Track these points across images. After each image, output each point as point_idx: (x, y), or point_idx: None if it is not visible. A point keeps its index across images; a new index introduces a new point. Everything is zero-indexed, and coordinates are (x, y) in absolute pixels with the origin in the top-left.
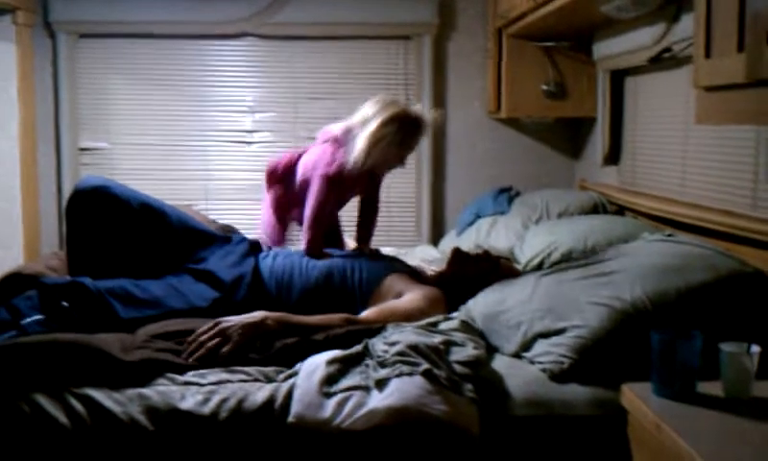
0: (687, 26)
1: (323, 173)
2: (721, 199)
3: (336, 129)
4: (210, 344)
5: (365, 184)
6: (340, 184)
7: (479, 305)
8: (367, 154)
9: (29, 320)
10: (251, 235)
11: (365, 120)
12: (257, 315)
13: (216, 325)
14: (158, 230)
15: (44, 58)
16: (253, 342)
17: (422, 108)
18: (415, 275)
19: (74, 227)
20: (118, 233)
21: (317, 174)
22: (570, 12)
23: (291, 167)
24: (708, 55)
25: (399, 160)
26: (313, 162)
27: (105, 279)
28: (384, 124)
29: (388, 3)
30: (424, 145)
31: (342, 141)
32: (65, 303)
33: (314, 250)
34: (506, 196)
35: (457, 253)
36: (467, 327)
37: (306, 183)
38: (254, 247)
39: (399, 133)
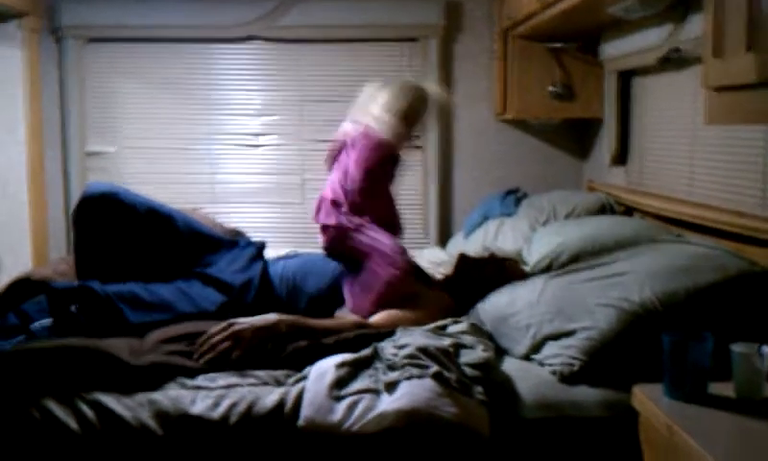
0: (695, 26)
1: (365, 166)
2: (730, 199)
3: (352, 131)
4: (221, 347)
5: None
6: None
7: (488, 308)
8: (403, 131)
9: (37, 325)
10: (258, 238)
11: (388, 104)
12: (270, 318)
13: (228, 326)
14: (166, 235)
15: (51, 62)
16: (265, 344)
17: (424, 83)
18: (423, 278)
19: (81, 233)
20: (126, 239)
21: (360, 170)
22: (577, 13)
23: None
24: (717, 55)
25: (408, 139)
26: (352, 166)
27: (113, 284)
28: (414, 101)
29: (394, 5)
30: (431, 146)
31: (371, 133)
32: (74, 308)
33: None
34: (513, 197)
35: (462, 258)
36: (476, 329)
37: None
38: (262, 250)
39: (425, 109)
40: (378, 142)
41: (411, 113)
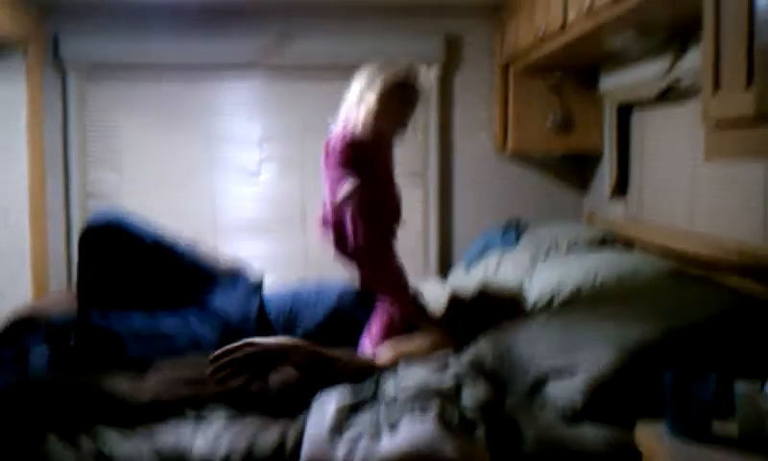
0: (694, 59)
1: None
2: (731, 232)
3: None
4: (237, 354)
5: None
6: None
7: (489, 345)
8: (376, 116)
9: (37, 359)
10: (258, 269)
11: (362, 93)
12: (289, 343)
13: (247, 345)
14: (169, 266)
15: (54, 94)
16: (273, 365)
17: (415, 65)
18: (423, 313)
19: (86, 261)
20: (129, 269)
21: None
22: (576, 47)
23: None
24: (716, 90)
25: (404, 122)
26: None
27: (113, 314)
28: (387, 85)
29: (395, 37)
30: (432, 177)
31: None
32: (72, 341)
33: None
34: (514, 229)
35: (453, 300)
36: (477, 367)
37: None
38: (260, 284)
39: (402, 92)
40: (351, 141)
41: (390, 100)
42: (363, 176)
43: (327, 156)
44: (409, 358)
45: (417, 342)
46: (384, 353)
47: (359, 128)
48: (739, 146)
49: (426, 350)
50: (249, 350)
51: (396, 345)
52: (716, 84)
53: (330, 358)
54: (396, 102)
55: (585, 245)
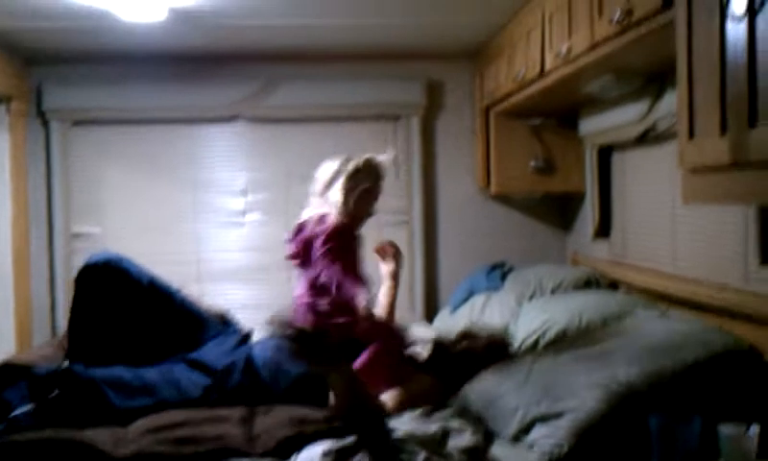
0: (671, 103)
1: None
2: (713, 273)
3: (309, 216)
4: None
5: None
6: (345, 243)
7: (476, 390)
8: (346, 203)
9: (19, 412)
10: (244, 316)
11: (329, 181)
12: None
13: None
14: (162, 310)
15: (38, 144)
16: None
17: (375, 154)
18: (410, 361)
19: (81, 299)
20: (124, 309)
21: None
22: (554, 92)
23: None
24: (691, 137)
25: (370, 210)
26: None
27: (102, 359)
28: (351, 175)
29: (377, 85)
30: (416, 221)
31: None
32: (56, 393)
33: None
34: (499, 271)
35: (437, 346)
36: (464, 412)
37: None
38: (248, 336)
39: (368, 179)
40: (331, 229)
41: (355, 193)
42: (342, 260)
43: (302, 243)
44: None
45: (407, 389)
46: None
47: (334, 218)
48: (716, 191)
49: (413, 399)
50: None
51: (394, 393)
52: (691, 131)
53: None
54: (361, 194)
55: (569, 286)
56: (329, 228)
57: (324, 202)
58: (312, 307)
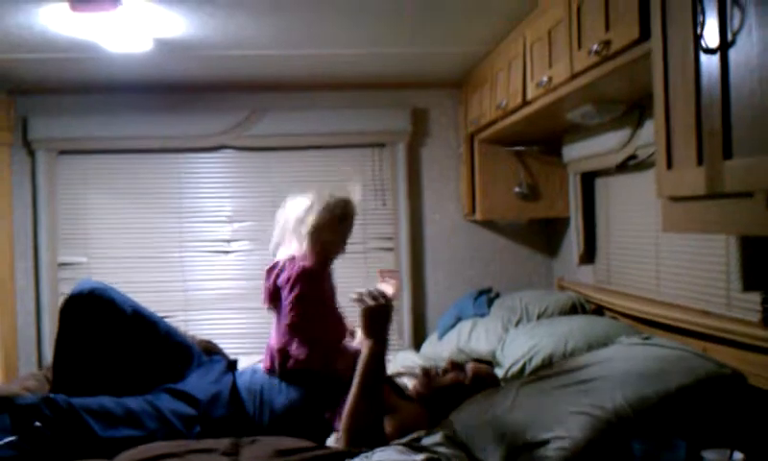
0: (651, 132)
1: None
2: (696, 299)
3: (281, 256)
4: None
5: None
6: (315, 286)
7: (462, 418)
8: (316, 238)
9: (1, 443)
10: (230, 344)
11: (300, 217)
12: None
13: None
14: (147, 339)
15: (23, 175)
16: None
17: (345, 190)
18: (396, 389)
19: (67, 328)
20: (109, 338)
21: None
22: (537, 119)
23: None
24: (669, 166)
25: (341, 247)
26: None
27: (87, 385)
28: (322, 211)
29: (363, 113)
30: (403, 248)
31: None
32: (38, 423)
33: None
34: (485, 297)
35: (425, 372)
36: (450, 441)
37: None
38: (233, 364)
39: (338, 215)
40: (301, 271)
41: (329, 229)
42: (316, 299)
43: (271, 288)
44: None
45: (388, 420)
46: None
47: (306, 258)
48: (695, 220)
49: (402, 425)
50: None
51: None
52: (669, 161)
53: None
54: (332, 230)
55: (555, 312)
56: (293, 274)
57: (293, 237)
58: (284, 353)
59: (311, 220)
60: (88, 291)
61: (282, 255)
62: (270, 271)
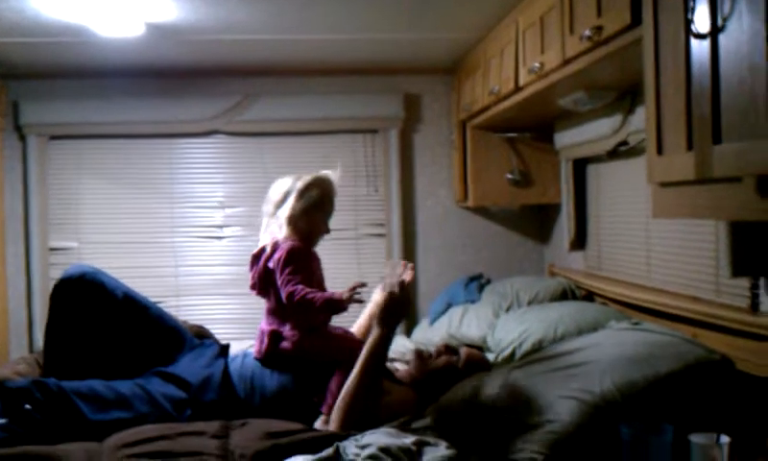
0: (642, 118)
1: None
2: (686, 285)
3: (264, 244)
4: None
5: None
6: (302, 264)
7: (451, 403)
8: (298, 222)
9: None
10: (222, 330)
11: (280, 201)
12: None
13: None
14: (138, 323)
15: (15, 159)
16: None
17: (325, 171)
18: (386, 373)
19: (57, 312)
20: (100, 322)
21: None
22: (529, 105)
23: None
24: (659, 152)
25: (323, 228)
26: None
27: (78, 370)
28: (301, 193)
29: (355, 99)
30: (395, 234)
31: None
32: (28, 406)
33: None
34: (477, 283)
35: (418, 355)
36: (439, 425)
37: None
38: (225, 349)
39: (318, 195)
40: (290, 248)
41: (304, 217)
42: (308, 277)
43: (258, 273)
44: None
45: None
46: None
47: (287, 241)
48: (684, 206)
49: (389, 411)
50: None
51: None
52: (659, 147)
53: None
54: (312, 211)
55: (546, 298)
56: (284, 253)
57: (276, 222)
58: (277, 335)
59: (286, 209)
60: (79, 275)
61: (265, 241)
62: (257, 256)
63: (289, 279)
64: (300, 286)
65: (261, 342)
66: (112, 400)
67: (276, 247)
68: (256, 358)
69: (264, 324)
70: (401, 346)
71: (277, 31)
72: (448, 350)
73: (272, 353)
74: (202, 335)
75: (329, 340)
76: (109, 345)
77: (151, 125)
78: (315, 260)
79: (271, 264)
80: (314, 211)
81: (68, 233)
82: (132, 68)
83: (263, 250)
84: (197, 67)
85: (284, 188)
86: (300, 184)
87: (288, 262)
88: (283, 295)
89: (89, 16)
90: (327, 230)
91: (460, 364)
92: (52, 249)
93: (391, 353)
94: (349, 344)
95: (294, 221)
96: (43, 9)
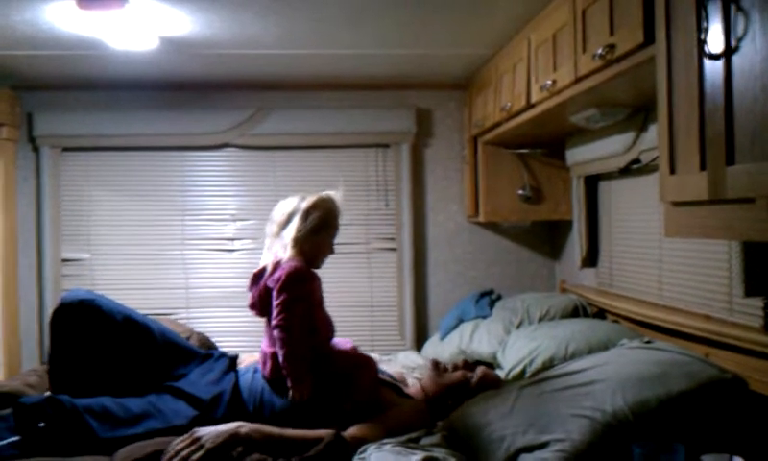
0: (655, 135)
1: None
2: (698, 303)
3: (265, 264)
4: (184, 453)
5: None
6: (303, 288)
7: (461, 419)
8: (302, 243)
9: (4, 443)
10: (232, 342)
11: (284, 222)
12: (232, 425)
13: (191, 434)
14: (142, 344)
15: (28, 170)
16: (228, 451)
17: (328, 192)
18: (396, 388)
19: (58, 339)
20: (102, 347)
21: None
22: (541, 122)
23: None
24: (672, 171)
25: (328, 249)
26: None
27: (86, 394)
28: (306, 214)
29: (367, 113)
30: (406, 249)
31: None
32: (42, 424)
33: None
34: (488, 299)
35: (435, 365)
36: (448, 441)
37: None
38: (234, 362)
39: (323, 216)
40: (286, 276)
41: (308, 239)
42: (306, 301)
43: (259, 293)
44: (380, 437)
45: (389, 417)
46: (354, 429)
47: (289, 263)
48: (697, 225)
49: (401, 422)
50: (193, 437)
51: (380, 419)
52: (672, 166)
53: (277, 437)
54: (317, 232)
55: (557, 314)
56: (283, 274)
57: (280, 242)
58: (276, 357)
59: (292, 230)
60: (78, 301)
61: (267, 261)
62: (258, 276)
63: (281, 310)
64: (291, 331)
65: (264, 364)
66: (123, 419)
67: (276, 266)
68: (264, 378)
69: (265, 345)
70: (411, 361)
71: (290, 45)
72: (467, 365)
73: (277, 379)
74: (208, 347)
75: (328, 366)
76: (114, 367)
77: (163, 137)
78: (315, 280)
79: (270, 283)
80: (319, 232)
81: (80, 245)
82: (146, 81)
83: (264, 270)
84: (210, 81)
85: (288, 209)
86: (304, 205)
87: (285, 288)
88: (273, 321)
89: (104, 30)
90: (332, 251)
91: (473, 382)
92: (64, 260)
93: (400, 367)
94: (353, 361)
95: (299, 243)
96: (58, 22)
